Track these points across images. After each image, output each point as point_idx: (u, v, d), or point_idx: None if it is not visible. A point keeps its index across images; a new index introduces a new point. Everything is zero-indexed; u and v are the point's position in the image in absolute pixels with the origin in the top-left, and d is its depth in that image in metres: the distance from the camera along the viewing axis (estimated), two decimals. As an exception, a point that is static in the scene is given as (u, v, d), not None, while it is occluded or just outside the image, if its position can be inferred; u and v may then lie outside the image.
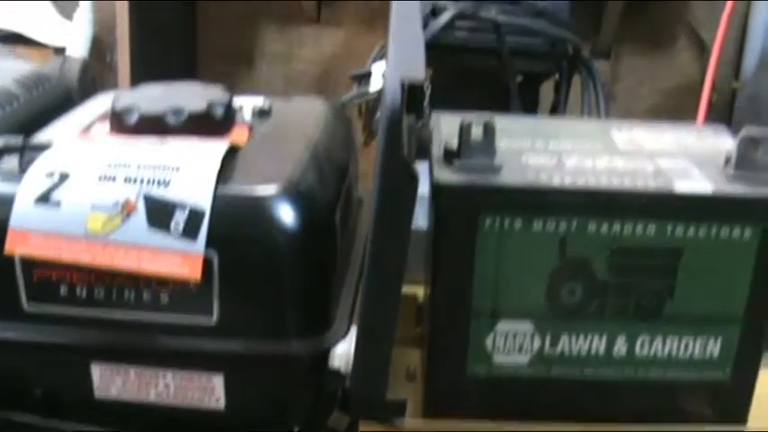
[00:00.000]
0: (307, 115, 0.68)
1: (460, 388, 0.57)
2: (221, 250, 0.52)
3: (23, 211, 0.52)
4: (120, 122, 0.60)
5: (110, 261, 0.51)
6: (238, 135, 0.61)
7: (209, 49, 1.95)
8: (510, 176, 0.53)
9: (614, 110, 1.91)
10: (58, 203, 0.52)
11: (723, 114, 1.79)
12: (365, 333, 0.52)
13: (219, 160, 0.54)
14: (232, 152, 0.57)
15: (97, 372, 0.55)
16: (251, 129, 0.63)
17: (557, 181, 0.53)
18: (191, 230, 0.52)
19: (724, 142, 0.61)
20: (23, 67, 0.81)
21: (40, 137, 0.62)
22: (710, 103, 1.52)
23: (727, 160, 0.55)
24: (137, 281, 0.52)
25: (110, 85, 1.73)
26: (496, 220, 0.53)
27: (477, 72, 1.50)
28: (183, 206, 0.52)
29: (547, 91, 1.52)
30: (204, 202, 0.52)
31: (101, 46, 1.74)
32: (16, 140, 0.57)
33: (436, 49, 1.44)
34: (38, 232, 0.52)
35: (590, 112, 1.55)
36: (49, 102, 0.77)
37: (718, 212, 0.53)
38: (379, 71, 1.38)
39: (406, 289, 0.53)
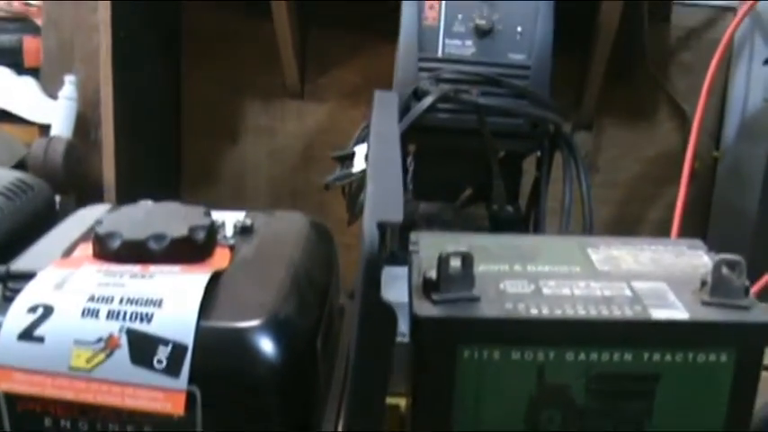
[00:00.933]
0: (288, 233, 0.69)
1: None
2: (204, 384, 0.53)
3: (7, 348, 0.52)
4: (103, 247, 0.60)
5: (93, 397, 0.52)
6: (220, 258, 0.61)
7: (194, 124, 1.96)
8: (488, 308, 0.54)
9: (597, 181, 1.93)
10: (41, 339, 0.52)
11: (705, 182, 1.81)
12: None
13: (201, 293, 0.55)
14: (214, 279, 0.58)
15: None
16: (233, 249, 0.64)
17: (534, 312, 0.54)
18: (173, 366, 0.52)
19: (700, 259, 0.63)
20: (6, 176, 0.82)
21: (24, 259, 0.62)
22: (693, 172, 1.54)
23: (703, 284, 0.56)
24: (120, 414, 0.53)
25: (95, 163, 1.74)
26: (475, 351, 0.54)
27: (460, 150, 1.52)
28: (165, 342, 0.53)
29: (530, 164, 1.54)
30: (186, 338, 0.53)
31: (85, 123, 1.76)
32: None
33: (420, 131, 1.46)
34: (22, 368, 0.52)
35: (572, 187, 1.57)
36: (32, 210, 0.78)
37: (694, 339, 0.54)
38: (361, 152, 1.39)
39: (390, 400, 0.53)
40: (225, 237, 0.67)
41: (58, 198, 1.63)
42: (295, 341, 0.55)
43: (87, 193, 1.72)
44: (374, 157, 0.59)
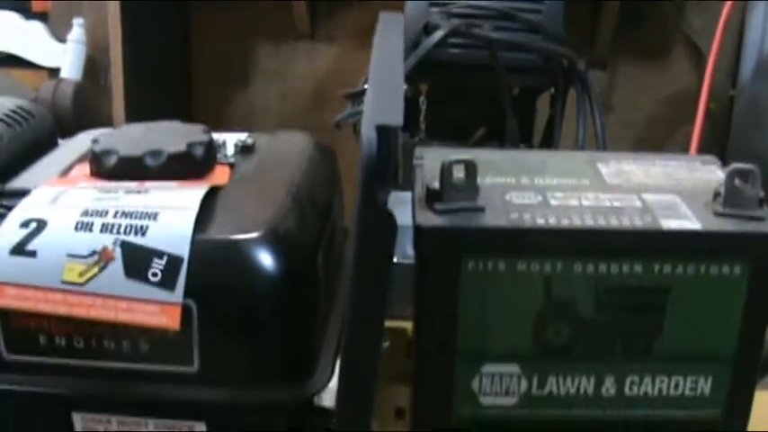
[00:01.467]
0: (290, 152, 0.67)
1: (447, 429, 0.56)
2: (200, 298, 0.51)
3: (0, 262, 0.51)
4: (99, 165, 0.59)
5: (87, 312, 0.51)
6: (219, 175, 0.60)
7: (204, 68, 1.95)
8: (493, 218, 0.52)
9: (612, 120, 1.90)
10: (33, 253, 0.51)
11: (721, 122, 1.78)
12: (347, 374, 0.51)
13: (198, 206, 0.53)
14: (212, 195, 0.56)
15: (79, 421, 0.54)
16: (233, 166, 0.63)
17: (540, 221, 0.52)
18: (169, 279, 0.51)
19: (714, 174, 0.60)
20: (6, 104, 0.80)
21: (20, 180, 0.61)
22: (708, 112, 1.51)
23: (716, 195, 0.54)
24: (116, 330, 0.52)
25: (104, 107, 1.73)
26: (480, 263, 0.52)
27: (472, 88, 1.49)
28: (160, 254, 0.51)
29: (543, 102, 1.52)
30: (182, 250, 0.51)
31: (95, 68, 1.74)
32: (-9, 187, 0.56)
33: (430, 67, 1.44)
34: (14, 283, 0.51)
35: (585, 125, 1.54)
36: (33, 138, 0.76)
37: (706, 250, 0.52)
38: (372, 89, 1.36)
39: (396, 324, 0.52)
40: (225, 155, 0.65)
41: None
42: (294, 255, 0.54)
43: (97, 137, 1.71)
44: (375, 70, 0.57)
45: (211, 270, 0.52)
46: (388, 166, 0.46)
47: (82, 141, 0.70)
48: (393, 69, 0.56)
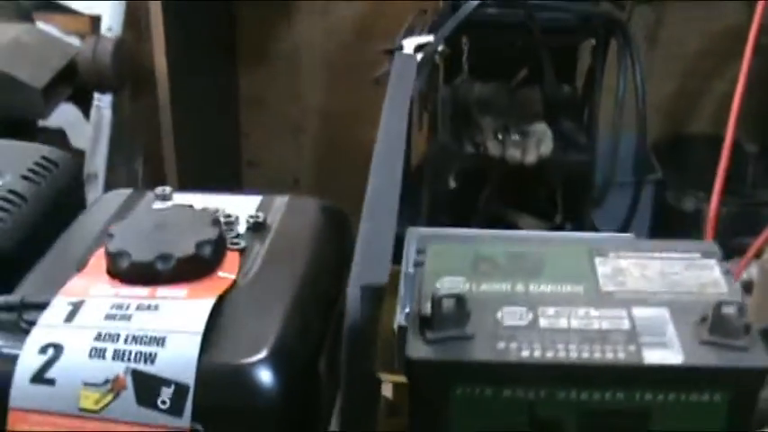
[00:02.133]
0: (299, 232, 0.69)
1: None
2: (207, 421, 0.55)
3: (21, 391, 0.56)
4: (113, 265, 0.62)
5: (103, 438, 0.55)
6: (229, 266, 0.63)
7: (247, 6, 1.94)
8: (480, 349, 0.55)
9: (659, 54, 1.86)
10: (52, 382, 0.55)
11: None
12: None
13: (202, 328, 0.57)
14: (218, 306, 0.59)
15: None
16: (242, 252, 0.66)
17: (525, 354, 0.54)
18: (177, 406, 0.55)
19: (711, 274, 0.62)
20: (29, 154, 0.83)
21: (40, 272, 0.65)
22: (756, 46, 1.47)
23: (704, 319, 0.56)
24: (130, 450, 0.56)
25: (145, 54, 1.74)
26: (467, 389, 0.55)
27: (512, 46, 1.48)
28: (168, 383, 0.55)
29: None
30: (188, 378, 0.55)
31: (136, 12, 1.75)
32: (14, 299, 0.60)
33: (469, 27, 1.43)
34: (35, 411, 0.55)
35: (626, 78, 1.52)
36: (58, 190, 0.80)
37: (687, 381, 0.54)
38: (409, 45, 1.37)
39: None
40: (237, 236, 0.68)
41: (109, 99, 1.65)
42: (295, 371, 0.57)
43: (140, 87, 1.74)
44: (373, 183, 0.58)
45: (216, 394, 0.56)
46: (371, 329, 0.48)
47: (105, 209, 0.73)
48: (389, 185, 0.58)
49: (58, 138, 1.73)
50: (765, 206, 1.87)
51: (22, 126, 1.56)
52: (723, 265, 0.63)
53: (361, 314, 0.48)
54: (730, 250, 1.81)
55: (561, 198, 1.71)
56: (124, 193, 0.77)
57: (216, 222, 0.66)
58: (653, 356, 0.54)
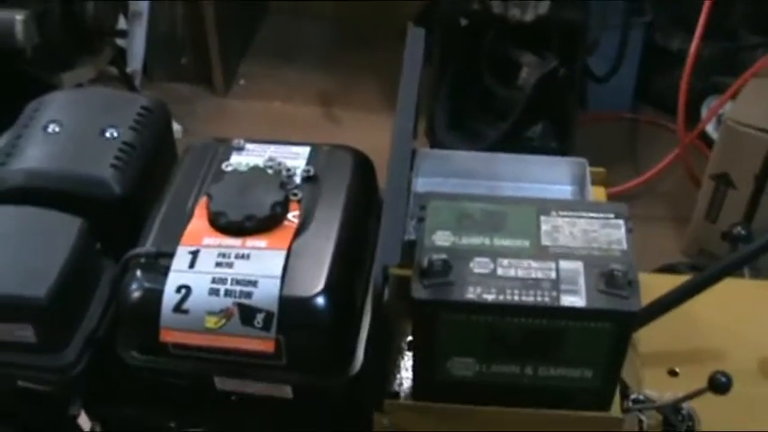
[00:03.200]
0: (340, 183, 0.99)
1: (434, 387, 0.94)
2: (285, 334, 0.89)
3: (167, 317, 0.89)
4: (214, 221, 0.93)
5: (222, 344, 0.89)
6: (292, 216, 0.93)
7: None
8: (458, 292, 0.86)
9: None
10: (186, 311, 0.88)
11: None
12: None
13: (280, 274, 0.89)
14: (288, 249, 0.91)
15: (219, 382, 0.95)
16: (300, 202, 0.96)
17: (486, 297, 0.86)
18: (266, 325, 0.88)
19: (618, 232, 0.91)
20: (134, 105, 1.09)
21: (159, 227, 0.95)
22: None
23: (603, 274, 0.87)
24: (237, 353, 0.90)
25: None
26: (449, 315, 0.87)
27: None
28: (261, 311, 0.88)
29: None
30: (273, 308, 0.88)
31: None
32: (151, 250, 0.92)
33: None
34: (177, 329, 0.89)
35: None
36: (154, 139, 1.08)
37: (587, 317, 0.86)
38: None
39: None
40: (296, 187, 0.98)
41: None
42: (340, 299, 0.90)
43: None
44: (390, 180, 0.87)
45: (291, 316, 0.88)
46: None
47: (196, 163, 1.02)
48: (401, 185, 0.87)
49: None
50: (746, 49, 2.09)
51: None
52: (627, 225, 0.93)
53: (381, 283, 0.79)
54: (709, 88, 2.11)
55: (557, 47, 1.95)
56: (207, 144, 1.05)
57: (282, 185, 0.96)
58: (566, 300, 0.86)
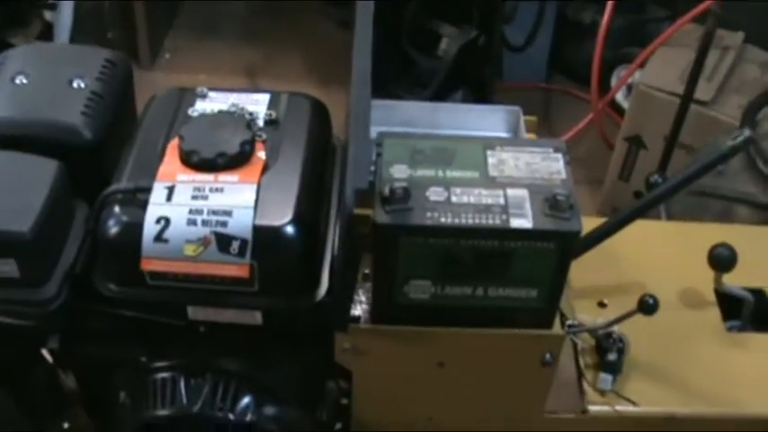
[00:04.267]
0: (299, 125, 1.06)
1: (390, 310, 1.03)
2: (258, 259, 0.96)
3: (148, 246, 0.95)
4: (187, 159, 1.00)
5: (199, 270, 0.95)
6: (259, 153, 1.01)
7: None
8: (417, 216, 0.95)
9: None
10: (166, 240, 0.95)
11: None
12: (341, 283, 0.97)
13: (253, 204, 0.96)
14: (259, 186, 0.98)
15: (191, 311, 1.01)
16: (265, 142, 1.03)
17: (443, 220, 0.95)
18: (241, 252, 0.95)
19: (557, 165, 1.01)
20: (98, 58, 1.14)
21: (135, 164, 1.01)
22: None
23: (547, 199, 0.97)
24: (214, 279, 0.97)
25: None
26: (408, 239, 0.96)
27: None
28: (236, 238, 0.95)
29: None
30: (247, 235, 0.95)
31: None
32: (130, 186, 0.98)
33: None
34: (157, 257, 0.95)
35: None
36: (120, 85, 1.14)
37: (534, 237, 0.96)
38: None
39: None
40: (259, 129, 1.05)
41: None
42: (306, 228, 0.97)
43: None
44: (353, 112, 0.95)
45: (263, 243, 0.95)
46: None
47: (164, 109, 1.08)
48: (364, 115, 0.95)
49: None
50: (653, 21, 2.24)
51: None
52: (565, 158, 1.03)
53: (353, 206, 0.88)
54: (619, 58, 2.24)
55: (476, 16, 2.06)
56: (171, 93, 1.11)
57: (249, 126, 1.03)
58: (515, 223, 0.96)
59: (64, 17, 2.27)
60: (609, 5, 2.01)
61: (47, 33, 2.26)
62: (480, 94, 2.12)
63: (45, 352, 1.14)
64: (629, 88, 2.13)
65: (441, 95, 2.09)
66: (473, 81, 2.11)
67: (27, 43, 2.17)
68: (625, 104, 2.19)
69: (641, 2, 2.25)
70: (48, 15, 2.25)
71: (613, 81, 2.23)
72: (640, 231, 1.22)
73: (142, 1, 2.30)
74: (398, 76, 2.13)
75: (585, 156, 2.20)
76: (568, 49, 2.35)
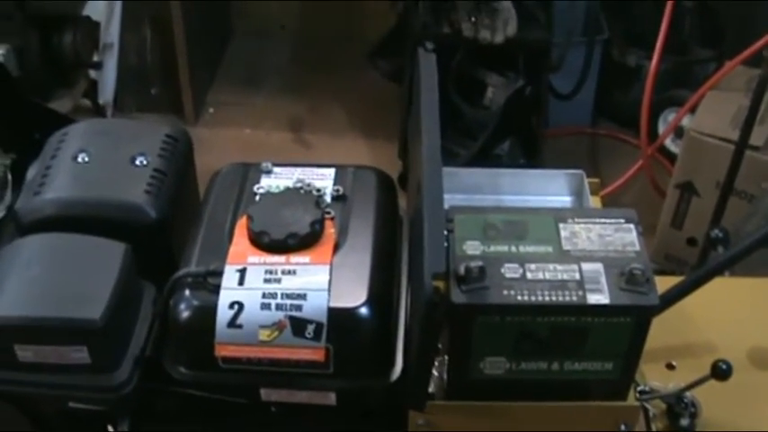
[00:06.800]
0: (366, 200, 1.06)
1: (467, 385, 1.01)
2: (333, 343, 0.95)
3: (222, 332, 0.94)
4: (257, 241, 0.99)
5: (276, 355, 0.94)
6: (329, 232, 1.00)
7: None
8: (493, 295, 0.93)
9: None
10: (240, 326, 0.94)
11: None
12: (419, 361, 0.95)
13: (327, 286, 0.95)
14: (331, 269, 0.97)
15: (264, 394, 1.00)
16: (333, 219, 1.02)
17: (519, 298, 0.93)
18: (317, 336, 0.94)
19: (629, 236, 1.00)
20: (159, 134, 1.15)
21: (201, 248, 1.01)
22: None
23: (622, 274, 0.95)
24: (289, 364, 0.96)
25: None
26: (485, 319, 0.95)
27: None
28: (311, 322, 0.94)
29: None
30: (323, 318, 0.94)
31: None
32: (201, 270, 0.97)
33: None
34: (231, 343, 0.94)
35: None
36: (181, 165, 1.14)
37: (611, 312, 0.94)
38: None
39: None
40: (327, 206, 1.04)
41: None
42: (380, 308, 0.96)
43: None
44: (427, 195, 0.94)
45: (338, 326, 0.95)
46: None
47: (228, 186, 1.08)
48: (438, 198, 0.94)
49: (92, 26, 2.01)
50: (697, 63, 2.22)
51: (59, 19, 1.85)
52: (638, 228, 1.01)
53: (432, 292, 0.86)
54: (665, 101, 2.23)
55: (523, 66, 2.05)
56: (235, 168, 1.11)
57: (317, 203, 1.02)
58: (592, 299, 0.94)
59: (108, 75, 2.29)
60: (657, 48, 2.00)
61: (92, 92, 2.28)
62: (528, 143, 2.11)
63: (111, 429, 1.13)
64: (677, 132, 2.11)
65: (490, 146, 2.08)
66: (521, 130, 2.10)
67: (73, 102, 2.19)
68: (673, 148, 2.17)
69: (685, 43, 2.23)
70: (93, 74, 2.26)
71: (660, 125, 2.22)
72: (706, 287, 1.19)
73: (186, 54, 2.31)
74: (445, 126, 2.12)
75: (635, 202, 2.17)
76: (614, 93, 2.34)
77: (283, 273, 0.96)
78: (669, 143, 2.18)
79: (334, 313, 0.94)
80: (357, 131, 2.36)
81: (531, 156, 2.12)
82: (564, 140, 2.34)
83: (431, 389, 1.04)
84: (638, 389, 1.13)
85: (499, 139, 2.10)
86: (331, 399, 1.01)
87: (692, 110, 1.94)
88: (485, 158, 2.08)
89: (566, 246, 0.99)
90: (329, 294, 0.95)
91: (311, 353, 0.94)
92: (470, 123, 2.12)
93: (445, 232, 0.98)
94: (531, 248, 0.99)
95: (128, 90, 2.39)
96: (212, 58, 2.57)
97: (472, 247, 0.98)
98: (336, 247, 1.00)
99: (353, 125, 2.38)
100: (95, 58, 2.23)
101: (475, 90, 2.13)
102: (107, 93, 2.33)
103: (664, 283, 1.13)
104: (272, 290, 0.95)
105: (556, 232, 1.01)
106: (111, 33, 2.25)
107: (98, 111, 2.27)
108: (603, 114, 2.41)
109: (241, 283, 0.96)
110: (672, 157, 2.09)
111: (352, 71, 2.45)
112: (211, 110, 2.49)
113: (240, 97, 2.52)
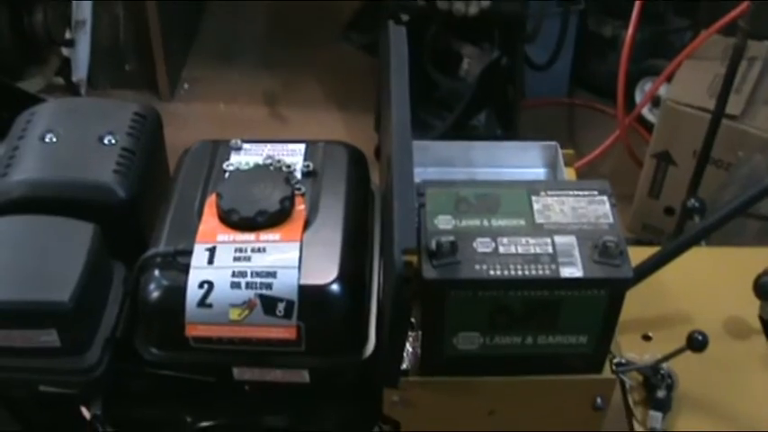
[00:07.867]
0: (337, 175, 1.04)
1: (440, 362, 1.01)
2: (305, 320, 0.94)
3: (192, 311, 0.93)
4: (226, 219, 0.98)
5: (245, 335, 0.93)
6: (299, 209, 0.99)
7: None
8: (465, 270, 0.93)
9: None
10: (210, 305, 0.93)
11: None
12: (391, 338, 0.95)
13: (297, 264, 0.94)
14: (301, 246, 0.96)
15: (236, 372, 0.99)
16: (304, 195, 1.01)
17: (491, 273, 0.93)
18: (287, 314, 0.93)
19: (602, 210, 0.99)
20: (127, 113, 1.13)
21: (172, 226, 0.99)
22: None
23: (596, 246, 0.95)
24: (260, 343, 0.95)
25: None
26: (457, 293, 0.94)
27: None
28: (281, 300, 0.93)
29: None
30: (293, 296, 0.93)
31: None
32: (169, 249, 0.96)
33: None
34: (202, 323, 0.93)
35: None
36: (149, 143, 1.12)
37: (584, 285, 0.94)
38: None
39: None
40: (297, 182, 1.03)
41: None
42: (352, 285, 0.95)
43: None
44: (396, 169, 0.93)
45: (309, 304, 0.94)
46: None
47: (198, 164, 1.07)
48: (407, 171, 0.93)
49: (63, 4, 1.98)
50: (674, 32, 2.21)
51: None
52: (611, 200, 1.01)
53: (402, 267, 0.85)
54: (642, 71, 2.21)
55: (498, 37, 2.03)
56: (205, 145, 1.09)
57: (287, 180, 1.01)
58: (565, 272, 0.93)
59: (81, 53, 2.26)
60: (634, 18, 1.99)
61: (65, 70, 2.25)
62: (505, 114, 2.09)
63: (85, 411, 1.12)
64: (654, 101, 2.10)
65: (466, 117, 2.06)
66: (497, 101, 2.09)
67: (46, 80, 2.17)
68: (650, 118, 2.16)
69: (661, 13, 2.21)
70: (65, 52, 2.23)
71: (637, 94, 2.21)
72: (682, 257, 1.19)
73: (160, 30, 2.28)
74: (421, 98, 2.10)
75: (612, 172, 2.17)
76: (590, 63, 2.32)
77: (253, 251, 0.95)
78: (646, 113, 2.17)
79: (304, 291, 0.93)
80: (332, 105, 2.34)
81: (508, 127, 2.11)
82: (541, 111, 2.32)
83: (405, 365, 1.03)
84: (614, 361, 1.13)
85: (475, 110, 2.09)
86: (304, 377, 1.00)
87: (669, 79, 1.93)
88: (461, 130, 2.07)
89: (538, 219, 0.99)
90: (300, 272, 0.94)
91: (283, 331, 0.94)
92: (446, 95, 2.11)
93: (417, 206, 0.97)
94: (503, 222, 0.98)
95: (101, 67, 2.35)
96: (186, 34, 2.54)
97: (444, 222, 0.97)
98: (307, 224, 0.99)
99: (329, 99, 2.36)
100: (67, 36, 2.20)
101: (450, 62, 2.11)
102: (80, 70, 2.29)
103: (640, 254, 1.13)
104: (242, 268, 0.94)
105: (528, 205, 1.00)
106: (83, 10, 2.21)
107: (71, 89, 2.24)
108: (580, 85, 2.40)
109: (210, 261, 0.95)
110: (649, 127, 2.08)
111: (327, 45, 2.43)
112: (186, 85, 2.47)
113: (215, 72, 2.49)
